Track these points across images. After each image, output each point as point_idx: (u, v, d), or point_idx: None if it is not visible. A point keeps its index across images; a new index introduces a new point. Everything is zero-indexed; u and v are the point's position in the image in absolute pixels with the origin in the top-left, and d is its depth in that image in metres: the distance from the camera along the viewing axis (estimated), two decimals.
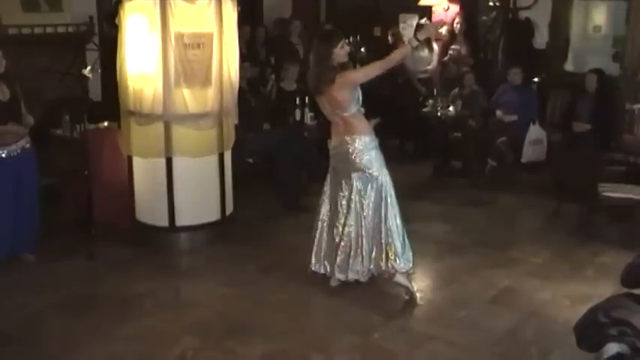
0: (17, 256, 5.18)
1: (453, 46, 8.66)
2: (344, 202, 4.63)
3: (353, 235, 4.63)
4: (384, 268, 4.60)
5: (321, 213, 4.77)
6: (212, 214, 5.64)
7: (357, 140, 4.52)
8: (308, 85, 4.83)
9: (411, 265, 4.66)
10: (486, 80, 8.30)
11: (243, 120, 6.05)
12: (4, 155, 4.92)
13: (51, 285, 4.84)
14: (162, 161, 5.41)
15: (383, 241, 4.57)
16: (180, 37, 5.15)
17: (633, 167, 6.27)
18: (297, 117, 7.17)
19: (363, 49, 8.82)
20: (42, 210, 5.29)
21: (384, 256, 4.58)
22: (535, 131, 7.45)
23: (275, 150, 6.65)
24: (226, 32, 5.37)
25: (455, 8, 8.93)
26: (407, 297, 4.69)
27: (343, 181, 4.63)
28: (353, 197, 4.59)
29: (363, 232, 4.61)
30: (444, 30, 4.96)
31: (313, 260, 4.78)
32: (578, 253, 5.53)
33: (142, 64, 5.26)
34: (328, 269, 4.74)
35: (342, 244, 4.64)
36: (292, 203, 6.50)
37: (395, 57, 4.53)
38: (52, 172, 5.70)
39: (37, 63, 6.04)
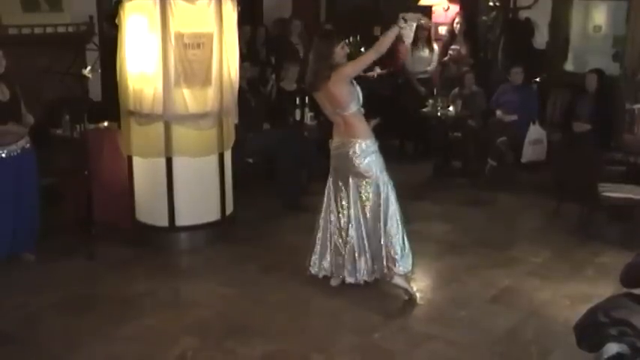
0: (17, 255, 5.18)
1: (453, 46, 8.63)
2: (344, 203, 4.65)
3: (355, 237, 4.65)
4: (384, 270, 4.62)
5: (323, 214, 4.77)
6: (212, 214, 5.64)
7: (357, 145, 4.53)
8: (305, 82, 4.84)
9: (409, 268, 4.67)
10: (486, 80, 8.29)
11: (243, 120, 6.06)
12: (4, 155, 4.92)
13: (51, 285, 4.84)
14: (162, 161, 5.41)
15: (382, 243, 4.58)
16: (180, 37, 5.16)
17: (633, 167, 6.27)
18: (297, 117, 7.17)
19: (363, 49, 8.80)
20: (42, 210, 5.29)
21: (383, 258, 4.59)
22: (535, 131, 7.44)
23: (275, 150, 6.65)
24: (226, 32, 5.37)
25: (455, 8, 8.92)
26: (406, 297, 4.69)
27: (344, 182, 4.64)
28: (353, 199, 4.61)
29: (364, 234, 4.64)
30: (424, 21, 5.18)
31: (312, 264, 4.79)
32: (578, 253, 5.53)
33: (142, 64, 5.26)
34: (333, 270, 4.75)
35: (347, 247, 4.67)
36: (292, 203, 6.50)
37: (384, 41, 4.54)
38: (52, 172, 5.69)
39: (37, 63, 6.05)
